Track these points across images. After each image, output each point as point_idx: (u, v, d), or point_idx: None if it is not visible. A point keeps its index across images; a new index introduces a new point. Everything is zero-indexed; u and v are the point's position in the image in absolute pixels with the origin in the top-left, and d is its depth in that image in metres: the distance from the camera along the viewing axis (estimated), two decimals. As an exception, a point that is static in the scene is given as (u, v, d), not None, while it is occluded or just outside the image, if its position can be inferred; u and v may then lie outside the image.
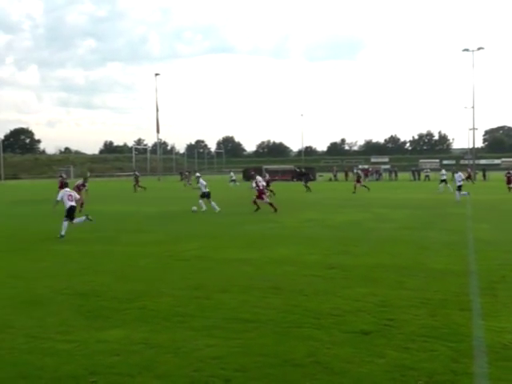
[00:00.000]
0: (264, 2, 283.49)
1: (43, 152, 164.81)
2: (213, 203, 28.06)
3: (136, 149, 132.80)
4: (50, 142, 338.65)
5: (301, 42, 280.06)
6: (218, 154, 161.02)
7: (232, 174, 66.95)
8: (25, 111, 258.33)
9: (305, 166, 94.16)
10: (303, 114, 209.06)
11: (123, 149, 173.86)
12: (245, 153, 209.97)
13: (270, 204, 27.19)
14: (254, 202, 27.75)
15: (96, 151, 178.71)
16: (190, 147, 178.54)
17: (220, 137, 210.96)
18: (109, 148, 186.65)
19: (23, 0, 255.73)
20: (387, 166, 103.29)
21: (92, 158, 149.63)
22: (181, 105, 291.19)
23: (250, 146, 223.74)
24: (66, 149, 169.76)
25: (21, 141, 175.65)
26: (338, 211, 27.27)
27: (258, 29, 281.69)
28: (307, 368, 6.41)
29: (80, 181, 30.19)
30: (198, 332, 7.81)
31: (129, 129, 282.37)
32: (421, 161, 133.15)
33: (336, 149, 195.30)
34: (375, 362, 6.60)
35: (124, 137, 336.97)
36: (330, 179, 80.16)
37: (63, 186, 21.28)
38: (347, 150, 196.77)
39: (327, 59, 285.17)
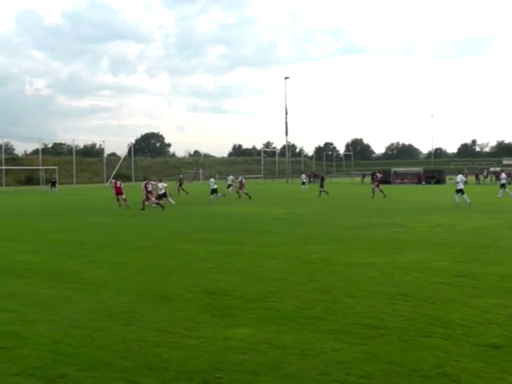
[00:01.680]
0: (393, 1, 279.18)
1: (173, 155, 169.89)
2: (169, 199, 35.50)
3: (265, 151, 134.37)
4: (180, 145, 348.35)
5: (432, 39, 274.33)
6: (346, 156, 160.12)
7: (304, 175, 66.65)
8: (155, 116, 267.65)
9: (434, 169, 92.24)
10: (433, 115, 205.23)
11: (252, 151, 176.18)
12: (373, 155, 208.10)
13: (157, 203, 32.00)
14: (143, 202, 32.07)
15: (225, 154, 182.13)
16: (318, 150, 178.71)
17: (349, 139, 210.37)
18: (237, 151, 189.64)
19: (155, 12, 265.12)
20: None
21: (221, 161, 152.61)
22: (309, 107, 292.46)
23: (378, 148, 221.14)
24: (196, 152, 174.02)
25: (151, 145, 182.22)
26: (468, 216, 26.44)
27: (388, 28, 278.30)
28: (434, 380, 6.23)
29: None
30: (323, 335, 7.80)
31: (258, 132, 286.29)
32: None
33: (466, 150, 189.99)
34: (506, 379, 6.29)
35: (253, 140, 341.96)
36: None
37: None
38: (478, 152, 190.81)
39: (458, 56, 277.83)
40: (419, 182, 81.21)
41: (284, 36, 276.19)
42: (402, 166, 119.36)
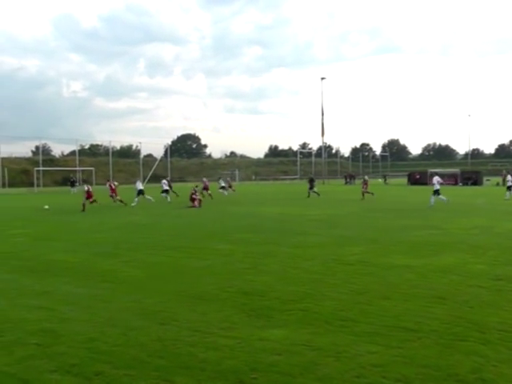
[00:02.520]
0: (430, 0, 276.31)
1: (209, 156, 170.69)
2: (148, 197, 40.42)
3: (301, 152, 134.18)
4: (216, 146, 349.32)
5: (470, 38, 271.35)
6: (382, 157, 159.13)
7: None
8: (191, 118, 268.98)
9: (471, 170, 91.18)
10: (470, 115, 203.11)
11: (288, 152, 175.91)
12: (410, 156, 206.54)
13: (84, 204, 34.86)
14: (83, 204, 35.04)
15: (261, 155, 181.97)
16: (354, 150, 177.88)
17: (385, 139, 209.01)
18: (274, 152, 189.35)
19: (191, 14, 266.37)
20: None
21: (257, 162, 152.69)
22: (346, 107, 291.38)
23: (415, 149, 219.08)
24: (232, 153, 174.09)
25: (187, 146, 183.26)
26: (506, 218, 26.08)
27: (425, 27, 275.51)
28: (472, 384, 6.18)
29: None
30: (359, 337, 7.75)
31: (294, 133, 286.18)
32: None
33: (504, 151, 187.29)
34: (546, 383, 6.22)
35: (289, 140, 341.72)
36: (498, 183, 76.71)
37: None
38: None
39: (496, 54, 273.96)
40: (456, 184, 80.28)
41: (320, 36, 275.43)
42: (439, 166, 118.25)
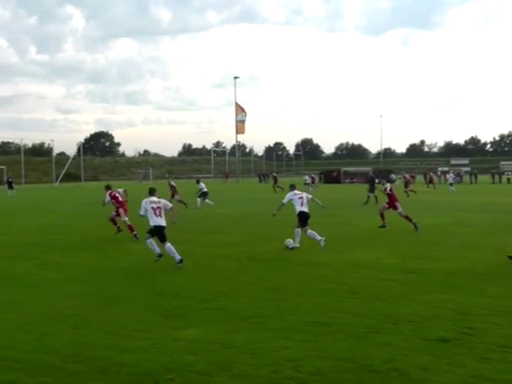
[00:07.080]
0: None
1: (123, 154, 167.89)
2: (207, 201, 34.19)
3: (214, 151, 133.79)
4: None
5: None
6: (296, 156, 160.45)
7: (307, 176, 65.95)
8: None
9: (384, 169, 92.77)
10: (382, 115, 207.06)
11: (202, 151, 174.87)
12: (323, 155, 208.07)
13: None
14: None
15: (175, 153, 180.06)
16: (268, 149, 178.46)
17: (299, 139, 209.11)
18: (188, 150, 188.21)
19: None
20: (467, 169, 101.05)
21: (170, 161, 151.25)
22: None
23: (328, 148, 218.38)
24: (145, 151, 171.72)
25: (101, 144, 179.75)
26: (424, 215, 26.82)
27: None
28: (384, 374, 6.34)
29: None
30: (274, 333, 7.84)
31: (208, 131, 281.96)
32: (502, 163, 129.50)
33: (415, 150, 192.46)
34: (454, 371, 6.43)
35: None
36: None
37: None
38: (427, 152, 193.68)
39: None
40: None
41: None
42: (352, 165, 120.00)
